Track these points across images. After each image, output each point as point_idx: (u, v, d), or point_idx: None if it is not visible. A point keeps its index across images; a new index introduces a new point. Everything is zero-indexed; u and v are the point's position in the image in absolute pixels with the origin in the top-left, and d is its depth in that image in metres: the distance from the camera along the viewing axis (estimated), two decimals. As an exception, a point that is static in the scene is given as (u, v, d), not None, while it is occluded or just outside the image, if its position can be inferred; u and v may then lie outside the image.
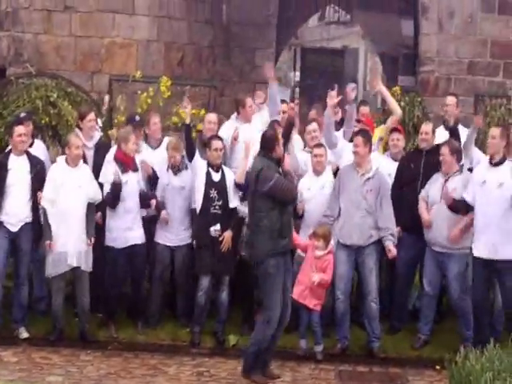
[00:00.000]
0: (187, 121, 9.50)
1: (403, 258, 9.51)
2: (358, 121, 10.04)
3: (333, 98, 9.87)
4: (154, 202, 9.52)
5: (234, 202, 9.54)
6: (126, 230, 9.44)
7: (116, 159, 9.46)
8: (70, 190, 9.12)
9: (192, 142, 9.54)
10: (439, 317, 10.10)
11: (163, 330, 9.66)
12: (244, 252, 9.35)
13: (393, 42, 17.54)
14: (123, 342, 9.36)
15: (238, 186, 9.54)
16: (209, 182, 9.44)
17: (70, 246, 9.10)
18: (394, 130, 10.10)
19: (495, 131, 9.01)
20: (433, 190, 9.34)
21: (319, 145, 9.72)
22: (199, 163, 9.57)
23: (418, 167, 9.66)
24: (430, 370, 8.93)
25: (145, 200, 9.52)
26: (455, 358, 8.14)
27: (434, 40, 14.89)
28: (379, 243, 9.16)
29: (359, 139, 9.20)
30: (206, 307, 9.48)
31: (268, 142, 8.37)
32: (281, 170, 8.33)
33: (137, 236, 9.50)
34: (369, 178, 9.18)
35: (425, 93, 13.31)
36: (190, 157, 9.62)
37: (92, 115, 9.96)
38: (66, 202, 9.09)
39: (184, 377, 8.57)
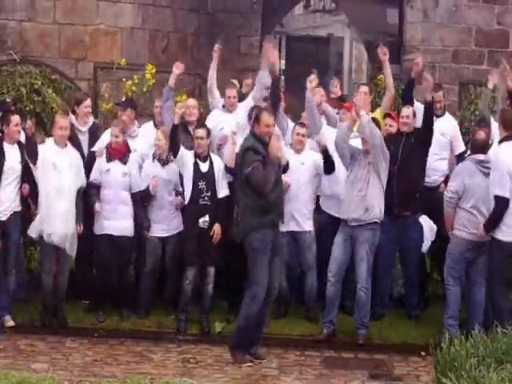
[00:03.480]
0: (176, 121, 9.46)
1: (383, 239, 9.52)
2: (344, 107, 10.03)
3: (312, 81, 9.92)
4: None
5: (222, 191, 9.52)
6: (102, 218, 9.47)
7: (107, 146, 9.58)
8: (61, 168, 9.17)
9: (178, 141, 9.48)
10: (424, 303, 10.16)
11: (149, 318, 9.67)
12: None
13: (378, 30, 17.52)
14: (109, 330, 9.36)
15: (228, 169, 9.53)
16: (197, 173, 9.41)
17: (56, 227, 9.12)
18: (387, 115, 10.13)
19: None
20: None
21: (302, 124, 9.78)
22: (186, 156, 9.50)
23: (396, 149, 9.68)
24: (415, 356, 8.94)
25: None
26: (440, 343, 8.19)
27: (418, 28, 14.91)
28: (374, 232, 9.21)
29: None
30: (191, 296, 9.51)
31: (255, 117, 8.59)
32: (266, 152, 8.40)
33: (116, 227, 9.49)
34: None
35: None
36: (175, 154, 9.51)
37: (88, 102, 10.04)
38: (57, 181, 9.14)
39: (170, 363, 8.58)
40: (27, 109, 10.39)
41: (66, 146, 9.33)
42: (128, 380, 7.73)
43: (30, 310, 9.54)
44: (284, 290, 9.59)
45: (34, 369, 8.20)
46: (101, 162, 9.54)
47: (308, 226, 9.71)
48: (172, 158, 9.57)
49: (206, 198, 9.40)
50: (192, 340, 9.23)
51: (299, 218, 9.62)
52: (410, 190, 9.66)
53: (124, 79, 11.45)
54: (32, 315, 9.44)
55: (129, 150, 9.65)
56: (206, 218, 9.39)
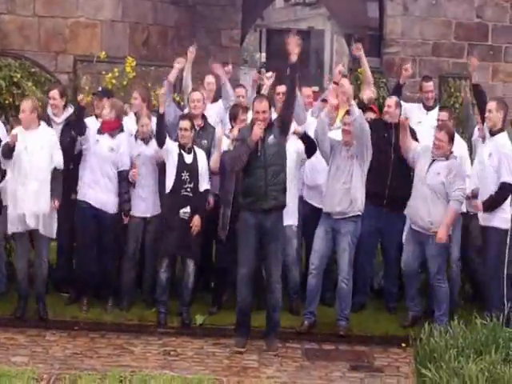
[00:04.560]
0: (161, 110, 9.48)
1: (366, 228, 9.58)
2: (324, 100, 10.03)
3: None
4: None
5: (204, 184, 9.52)
6: (86, 185, 9.51)
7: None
8: (32, 150, 9.09)
9: (164, 130, 9.51)
10: (403, 294, 10.19)
11: (130, 310, 9.64)
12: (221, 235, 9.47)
13: (358, 23, 17.55)
14: (89, 323, 9.33)
15: (213, 172, 9.58)
16: (181, 164, 9.41)
17: (27, 208, 9.05)
18: (368, 108, 10.13)
19: (491, 105, 9.26)
20: (420, 166, 9.33)
21: None
22: (171, 145, 9.52)
23: (390, 138, 9.67)
24: (395, 347, 8.97)
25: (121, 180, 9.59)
26: (420, 335, 8.25)
27: (398, 22, 14.96)
28: (356, 224, 9.23)
29: (350, 118, 9.17)
30: (167, 286, 9.49)
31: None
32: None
33: (97, 199, 9.46)
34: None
35: (390, 74, 13.35)
36: (161, 144, 9.53)
37: (52, 93, 9.81)
38: (27, 163, 9.07)
39: (150, 356, 8.56)
40: (6, 102, 10.35)
41: (38, 127, 9.24)
42: (108, 373, 7.76)
43: (10, 303, 9.47)
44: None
45: (14, 362, 8.19)
46: (93, 132, 9.54)
47: (289, 219, 9.59)
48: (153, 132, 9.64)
49: (188, 189, 9.39)
50: (173, 333, 9.20)
51: None
52: (403, 187, 9.55)
53: (104, 72, 11.42)
54: (12, 308, 9.38)
55: (121, 128, 9.64)
56: (187, 209, 9.39)
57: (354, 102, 9.18)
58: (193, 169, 9.42)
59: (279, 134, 8.74)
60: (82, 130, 9.48)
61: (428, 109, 10.45)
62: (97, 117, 9.92)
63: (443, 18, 14.82)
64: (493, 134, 9.23)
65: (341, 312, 9.28)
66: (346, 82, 10.04)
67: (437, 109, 10.46)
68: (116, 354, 8.59)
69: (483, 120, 9.52)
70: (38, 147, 9.13)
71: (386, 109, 9.93)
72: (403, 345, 8.84)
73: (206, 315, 9.50)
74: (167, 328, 9.32)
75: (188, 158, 9.44)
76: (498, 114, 9.21)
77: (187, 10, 15.19)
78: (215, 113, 10.51)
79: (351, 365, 8.59)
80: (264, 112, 8.67)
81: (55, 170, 9.23)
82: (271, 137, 8.68)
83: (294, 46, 8.76)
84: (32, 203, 9.07)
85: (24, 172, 9.07)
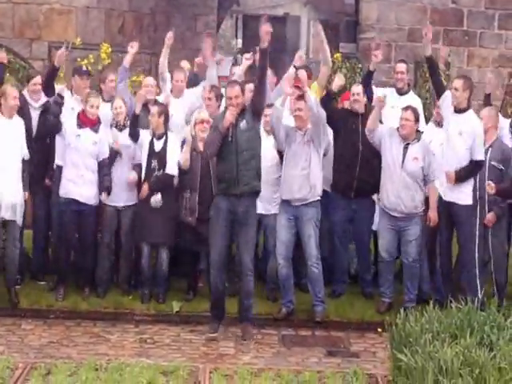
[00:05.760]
0: (137, 111, 9.47)
1: (337, 219, 9.73)
2: (296, 86, 10.00)
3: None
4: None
5: (171, 169, 9.48)
6: (68, 181, 9.44)
7: (78, 114, 9.51)
8: (6, 141, 9.05)
9: (137, 128, 9.52)
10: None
11: (106, 298, 9.61)
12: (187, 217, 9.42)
13: (335, 9, 17.53)
14: (65, 311, 9.29)
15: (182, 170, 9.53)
16: (151, 152, 9.43)
17: (5, 199, 9.02)
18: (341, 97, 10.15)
19: (458, 82, 9.08)
20: (390, 153, 9.35)
21: (271, 105, 9.59)
22: (143, 135, 9.54)
23: (357, 128, 9.62)
24: (371, 332, 9.02)
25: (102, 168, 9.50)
26: (395, 320, 8.27)
27: (374, 7, 14.93)
28: (317, 208, 9.25)
29: (302, 103, 9.18)
30: (150, 274, 9.58)
31: None
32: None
33: (82, 194, 9.41)
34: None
35: (366, 60, 13.34)
36: (135, 140, 9.57)
37: (37, 79, 9.85)
38: (3, 153, 9.01)
39: (127, 344, 8.55)
40: (-20, 89, 10.25)
41: (12, 116, 9.18)
42: (84, 361, 7.73)
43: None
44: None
45: (-11, 351, 8.16)
46: (71, 126, 9.45)
47: (274, 209, 9.61)
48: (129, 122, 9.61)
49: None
50: (149, 320, 9.20)
51: (265, 200, 9.42)
52: (370, 178, 9.58)
53: (79, 59, 11.36)
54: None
55: (99, 121, 9.56)
56: (158, 196, 9.38)
57: (308, 89, 9.17)
58: (162, 156, 9.43)
59: (252, 119, 8.69)
60: (58, 128, 9.47)
61: (401, 93, 10.42)
62: (71, 92, 9.92)
63: (419, 3, 14.82)
64: (458, 111, 9.05)
65: (315, 296, 9.28)
66: (301, 72, 10.10)
67: (410, 94, 10.47)
68: (92, 342, 8.58)
69: (438, 96, 9.39)
70: (13, 137, 9.09)
71: (354, 97, 9.78)
72: (379, 330, 8.84)
73: (182, 302, 9.50)
74: (144, 316, 9.31)
75: (157, 146, 9.44)
76: (464, 93, 8.98)
77: (163, -5, 15.10)
78: (196, 97, 10.25)
79: (327, 350, 8.63)
80: (236, 97, 8.61)
81: (23, 161, 9.18)
82: (243, 122, 8.63)
83: (264, 33, 8.73)
84: (9, 194, 9.03)
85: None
